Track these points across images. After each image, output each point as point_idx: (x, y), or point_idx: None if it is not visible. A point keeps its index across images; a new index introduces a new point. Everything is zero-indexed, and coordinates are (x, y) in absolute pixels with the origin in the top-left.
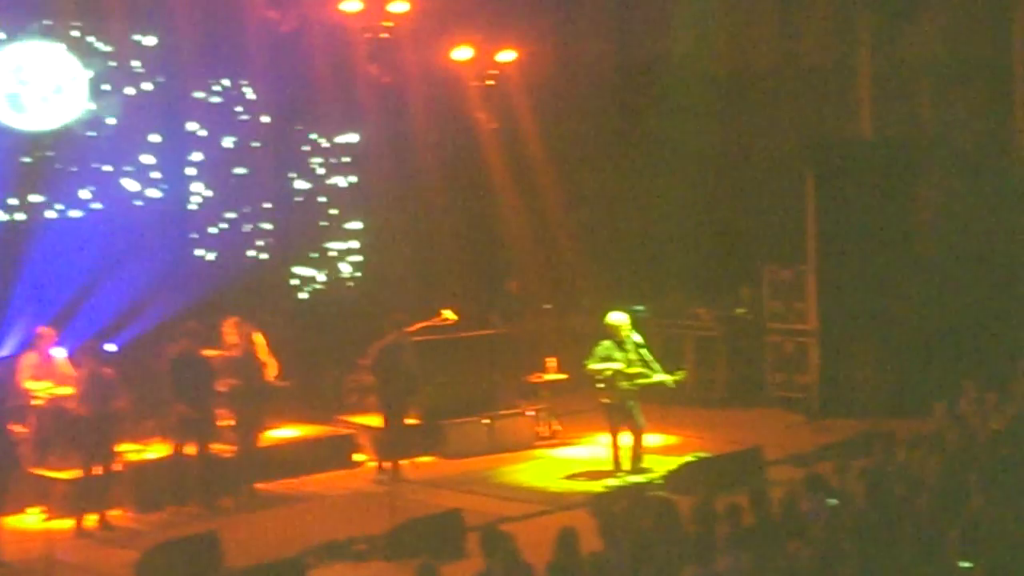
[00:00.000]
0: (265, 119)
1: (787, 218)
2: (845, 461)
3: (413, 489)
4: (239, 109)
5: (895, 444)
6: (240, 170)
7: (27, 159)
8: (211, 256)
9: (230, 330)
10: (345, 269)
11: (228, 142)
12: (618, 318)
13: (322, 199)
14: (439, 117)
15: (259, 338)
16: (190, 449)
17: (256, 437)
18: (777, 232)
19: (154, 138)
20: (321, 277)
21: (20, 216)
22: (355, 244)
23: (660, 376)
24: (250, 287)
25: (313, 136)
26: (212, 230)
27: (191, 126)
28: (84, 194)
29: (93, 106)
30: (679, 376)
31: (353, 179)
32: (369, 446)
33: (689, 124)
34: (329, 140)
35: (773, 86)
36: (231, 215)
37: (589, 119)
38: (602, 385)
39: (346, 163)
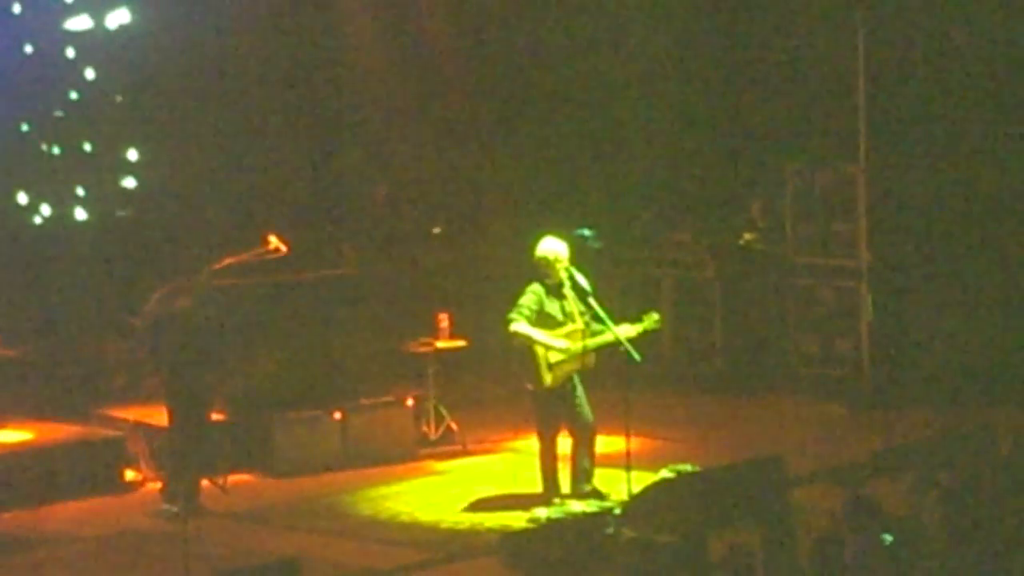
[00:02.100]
0: None
1: (822, 86)
2: (912, 476)
3: (222, 526)
4: None
5: (994, 446)
6: None
7: None
8: None
9: None
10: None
11: None
12: (555, 248)
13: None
14: None
15: None
16: None
17: None
18: (806, 109)
19: None
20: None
21: None
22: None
23: (616, 333)
24: None
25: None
26: None
27: None
28: None
29: None
30: (650, 324)
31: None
32: (148, 457)
33: None
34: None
35: None
36: None
37: None
38: (528, 358)
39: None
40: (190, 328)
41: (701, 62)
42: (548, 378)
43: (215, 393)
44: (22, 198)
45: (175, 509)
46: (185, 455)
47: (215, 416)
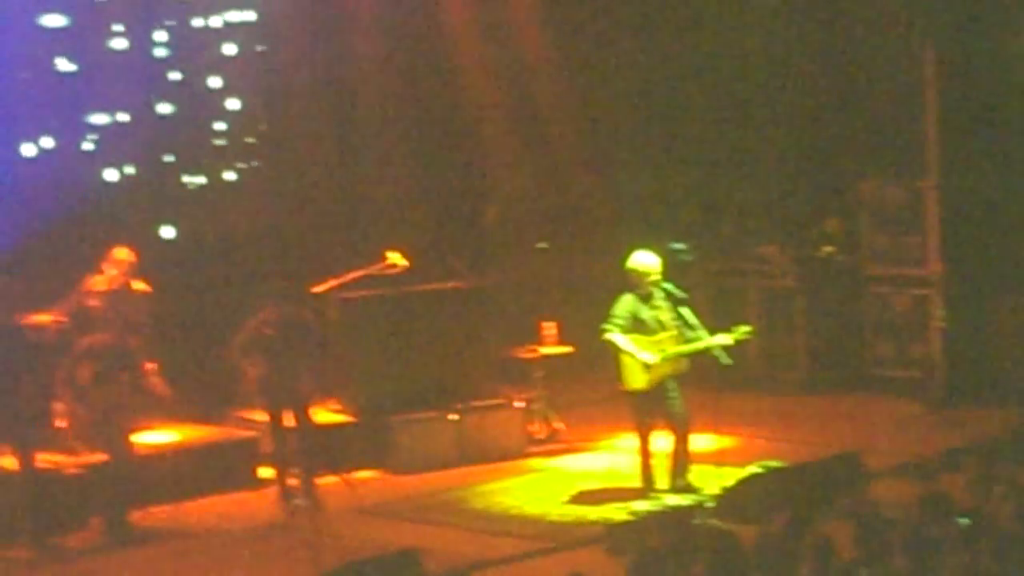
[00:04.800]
0: None
1: (895, 108)
2: (987, 471)
3: (348, 519)
4: None
5: None
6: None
7: None
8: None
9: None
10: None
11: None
12: (647, 261)
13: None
14: None
15: (143, 287)
16: (9, 463)
17: (125, 441)
18: (881, 130)
19: None
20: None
21: None
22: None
23: (710, 341)
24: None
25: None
26: (47, 142)
27: None
28: None
29: None
30: (740, 335)
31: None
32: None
33: None
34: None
35: None
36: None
37: None
38: (627, 363)
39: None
40: (292, 338)
41: (784, 89)
42: (643, 381)
43: (312, 397)
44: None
45: (304, 503)
46: (305, 454)
47: (343, 418)
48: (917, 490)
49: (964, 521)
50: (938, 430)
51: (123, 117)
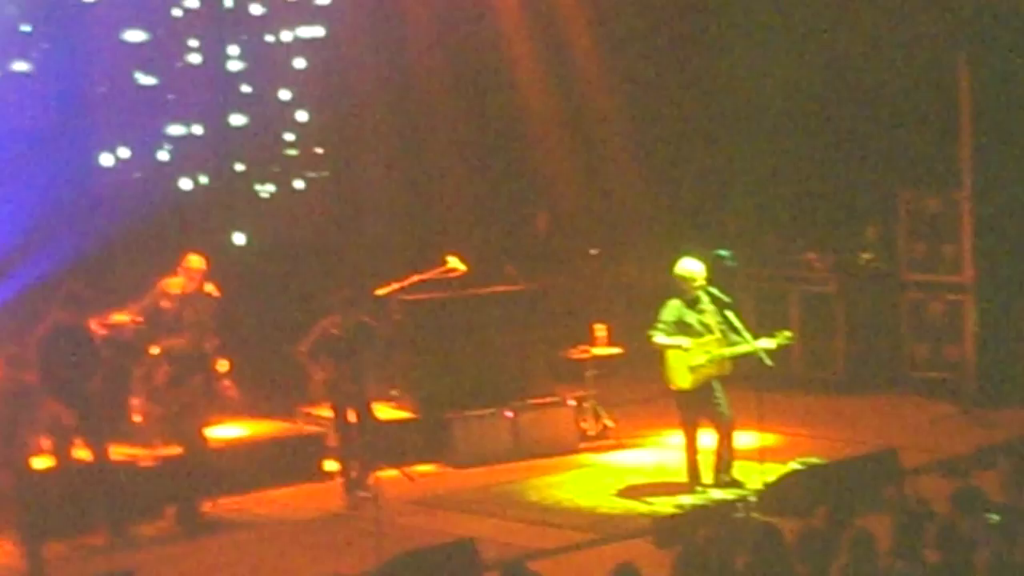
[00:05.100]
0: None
1: (931, 122)
2: (1019, 469)
3: (408, 510)
4: None
5: None
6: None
7: None
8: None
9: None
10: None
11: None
12: (692, 267)
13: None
14: None
15: (213, 291)
16: (82, 454)
17: (198, 436)
18: (917, 143)
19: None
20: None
21: None
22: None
23: (754, 344)
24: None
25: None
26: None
27: None
28: None
29: None
30: (782, 340)
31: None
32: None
33: None
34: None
35: None
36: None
37: None
38: (673, 363)
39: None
40: (357, 343)
41: (825, 105)
42: (688, 381)
43: (370, 396)
44: (239, 238)
45: (366, 495)
46: (357, 448)
47: (404, 415)
48: (951, 486)
49: (994, 518)
50: (971, 429)
51: (197, 129)
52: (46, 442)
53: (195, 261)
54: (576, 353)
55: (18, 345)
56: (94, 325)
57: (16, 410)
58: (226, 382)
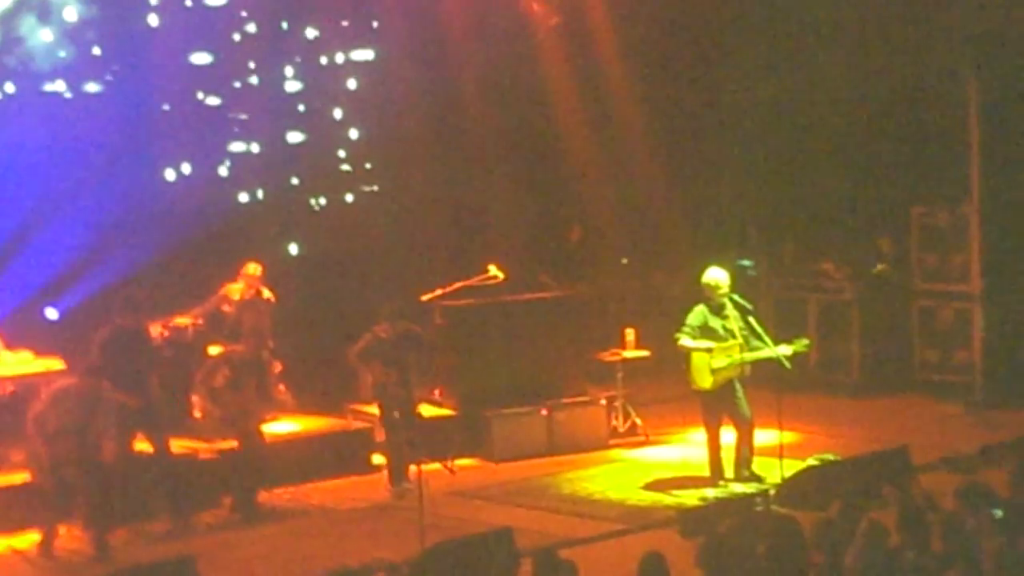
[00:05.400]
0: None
1: (941, 139)
2: (1015, 465)
3: (449, 501)
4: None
5: None
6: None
7: None
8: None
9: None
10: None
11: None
12: (717, 276)
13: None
14: (480, 15)
15: (269, 295)
16: (145, 447)
17: (256, 431)
18: (928, 159)
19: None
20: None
21: None
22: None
23: (774, 350)
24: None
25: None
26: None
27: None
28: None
29: None
30: (799, 347)
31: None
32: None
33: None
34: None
35: None
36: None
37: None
38: (697, 365)
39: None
40: (404, 349)
41: (842, 123)
42: (709, 382)
43: (415, 398)
44: (293, 248)
45: (411, 487)
46: (412, 444)
47: (446, 412)
48: (958, 482)
49: (998, 513)
50: (978, 429)
51: (255, 146)
52: (112, 438)
53: (253, 268)
54: (607, 355)
55: (86, 351)
56: (154, 328)
57: (91, 415)
58: (280, 386)
